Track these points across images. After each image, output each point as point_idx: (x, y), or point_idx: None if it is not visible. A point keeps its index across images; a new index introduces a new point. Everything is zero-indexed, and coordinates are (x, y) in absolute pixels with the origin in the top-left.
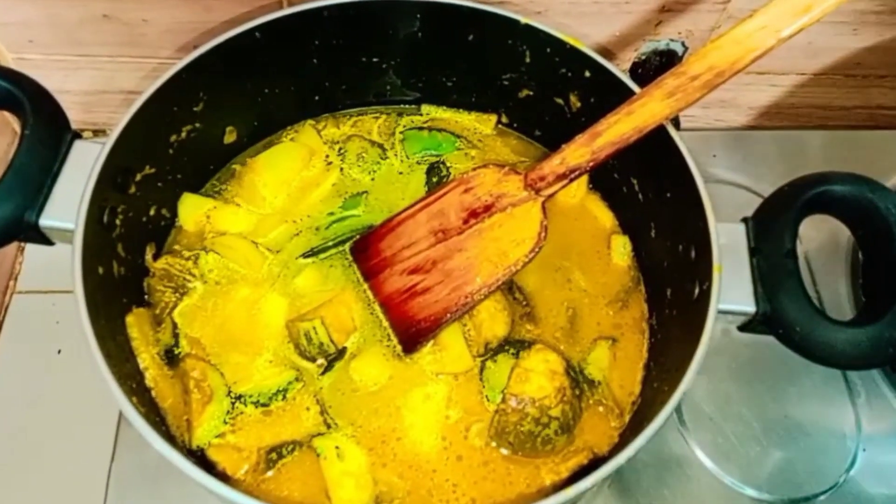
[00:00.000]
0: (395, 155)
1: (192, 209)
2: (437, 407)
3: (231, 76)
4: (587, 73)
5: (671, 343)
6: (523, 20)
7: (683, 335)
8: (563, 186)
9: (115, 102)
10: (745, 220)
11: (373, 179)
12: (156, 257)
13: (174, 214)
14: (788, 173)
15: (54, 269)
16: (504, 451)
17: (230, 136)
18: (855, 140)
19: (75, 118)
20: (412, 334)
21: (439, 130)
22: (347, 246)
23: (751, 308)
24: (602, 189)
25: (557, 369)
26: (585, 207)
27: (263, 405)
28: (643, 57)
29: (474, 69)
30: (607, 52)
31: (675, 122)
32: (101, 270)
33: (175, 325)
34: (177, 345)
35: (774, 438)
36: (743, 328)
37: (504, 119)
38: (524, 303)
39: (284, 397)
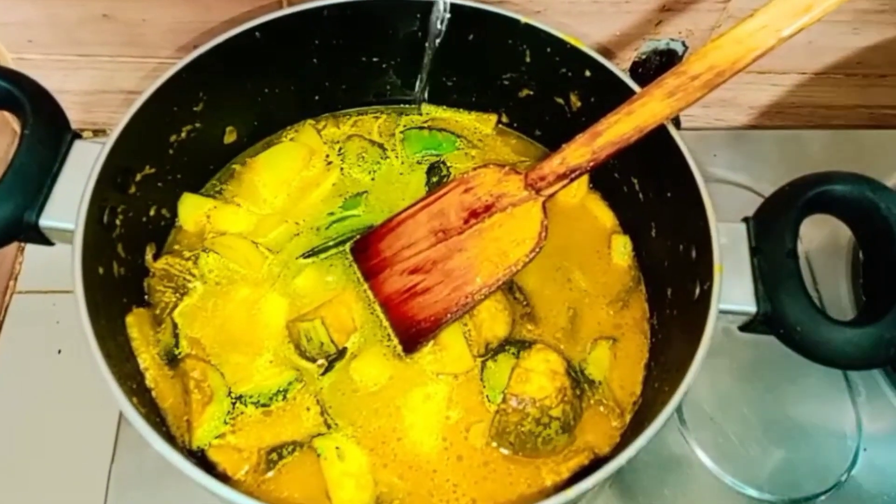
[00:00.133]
0: (396, 155)
1: (192, 209)
2: (438, 407)
3: (231, 76)
4: (587, 73)
5: (672, 343)
6: (523, 20)
7: (684, 335)
8: (564, 186)
9: (116, 102)
10: (745, 219)
11: (373, 179)
12: (156, 257)
13: (174, 214)
14: (789, 173)
15: (54, 269)
16: (504, 452)
17: (230, 136)
18: (856, 139)
19: (75, 118)
20: (412, 334)
21: (439, 130)
22: (348, 246)
23: (752, 308)
24: (602, 189)
25: (558, 369)
26: (586, 207)
27: (264, 405)
28: (643, 56)
29: (474, 69)
30: (607, 52)
31: (676, 122)
32: (101, 271)
33: (175, 326)
34: (177, 345)
35: (775, 438)
36: (744, 328)
37: (504, 119)
38: (524, 303)
39: (285, 398)
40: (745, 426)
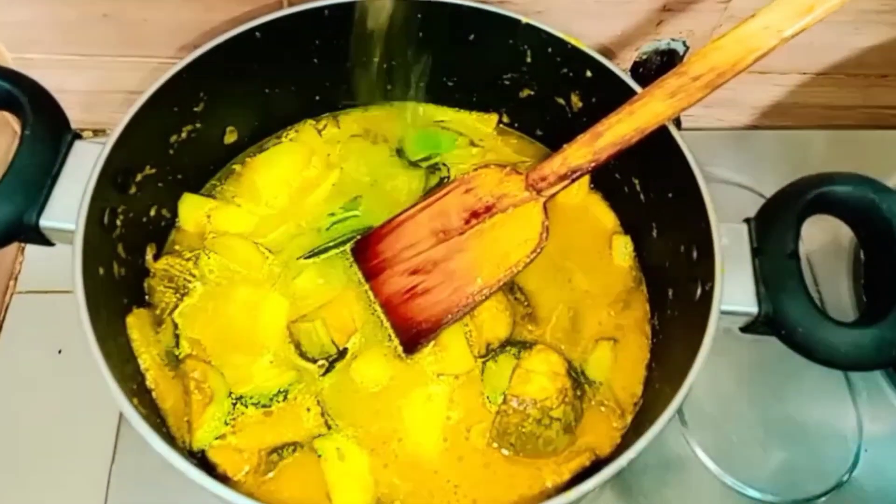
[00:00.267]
0: (397, 154)
1: (192, 209)
2: (439, 408)
3: (231, 76)
4: (588, 73)
5: (673, 344)
6: (524, 20)
7: (685, 336)
8: (565, 187)
9: (116, 102)
10: (747, 220)
11: (374, 179)
12: (156, 258)
13: (175, 215)
14: (790, 173)
15: (55, 268)
16: (505, 452)
17: (231, 136)
18: (857, 140)
19: (76, 118)
20: (413, 335)
21: (441, 129)
22: (348, 247)
23: (753, 309)
24: (603, 189)
25: (559, 370)
26: (587, 207)
27: (264, 406)
28: (644, 56)
29: (475, 69)
30: (608, 52)
31: (677, 122)
32: (101, 271)
33: (176, 326)
34: (177, 346)
35: (776, 439)
36: (745, 329)
37: (505, 119)
38: (525, 303)
39: (285, 398)
40: (746, 427)
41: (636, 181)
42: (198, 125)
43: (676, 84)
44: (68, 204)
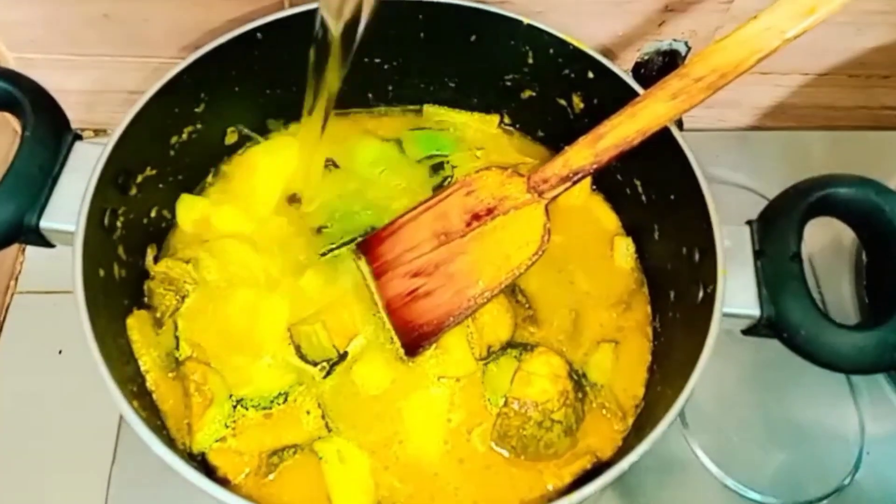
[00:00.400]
0: (400, 154)
1: (191, 210)
2: (440, 410)
3: (232, 77)
4: (590, 74)
5: (675, 346)
6: (526, 21)
7: (687, 338)
8: (566, 189)
9: (117, 102)
10: (749, 222)
11: (377, 178)
12: (156, 259)
13: (175, 216)
14: (792, 174)
15: (55, 269)
16: (506, 454)
17: (231, 137)
18: (859, 141)
19: (76, 117)
20: (415, 338)
21: (442, 130)
22: (350, 248)
23: (755, 312)
24: (605, 190)
25: (560, 372)
26: (588, 209)
27: (264, 409)
28: (646, 57)
29: (476, 70)
30: (610, 52)
31: (679, 123)
32: (101, 273)
33: (176, 328)
34: (178, 348)
35: (778, 441)
36: (747, 332)
37: (506, 120)
38: (527, 305)
39: (286, 401)
40: (748, 429)
41: (638, 183)
42: (198, 126)
43: (678, 85)
44: (69, 205)
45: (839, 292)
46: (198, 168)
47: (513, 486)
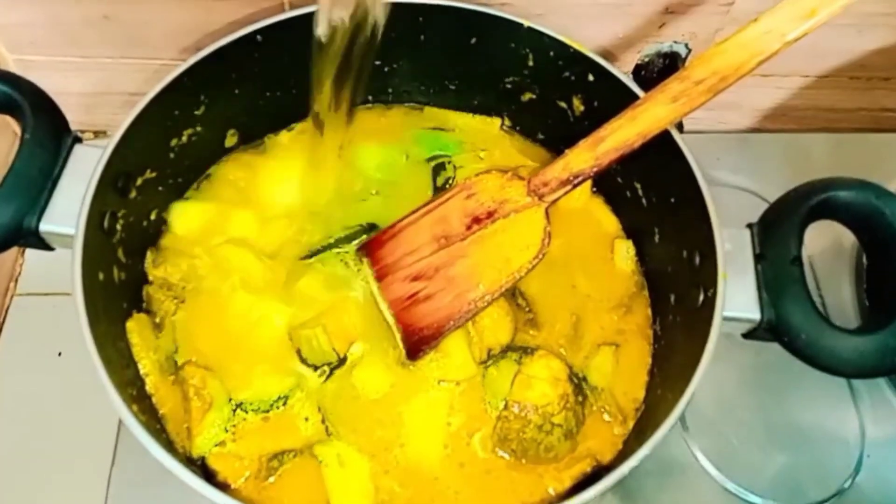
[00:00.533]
0: (402, 155)
1: (187, 215)
2: (440, 414)
3: (232, 79)
4: (590, 77)
5: (675, 350)
6: (526, 23)
7: (687, 342)
8: (567, 192)
9: (117, 104)
10: (749, 225)
11: (379, 178)
12: (156, 263)
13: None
14: (793, 177)
15: (55, 271)
16: (506, 456)
17: (231, 140)
18: (859, 143)
19: (76, 119)
20: (415, 342)
21: (444, 130)
22: (349, 248)
23: (755, 315)
24: (605, 193)
25: (560, 376)
26: (589, 211)
27: (264, 413)
28: (646, 59)
29: (476, 72)
30: (610, 55)
31: (679, 125)
32: (101, 276)
33: (175, 332)
34: (177, 351)
35: (778, 444)
36: (747, 335)
37: (507, 122)
38: (527, 308)
39: (285, 405)
40: (748, 432)
41: (638, 185)
42: (198, 128)
43: (679, 88)
44: (68, 208)
45: (840, 295)
46: (197, 171)
47: (513, 491)
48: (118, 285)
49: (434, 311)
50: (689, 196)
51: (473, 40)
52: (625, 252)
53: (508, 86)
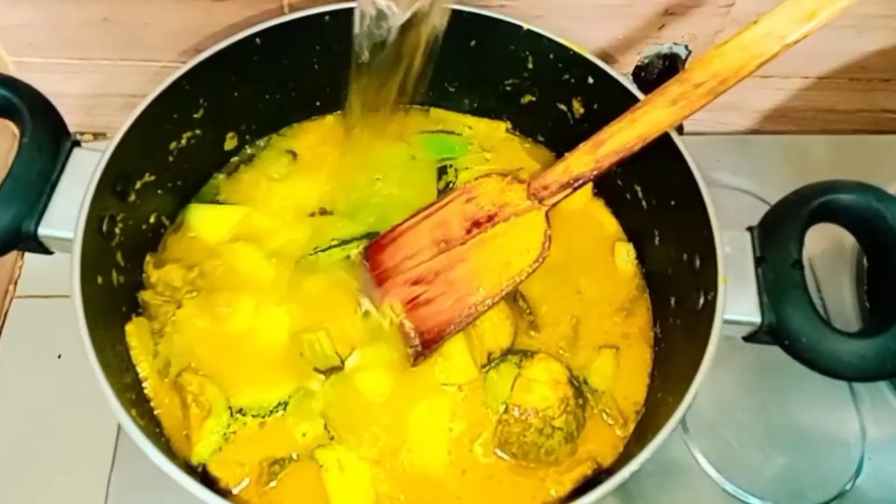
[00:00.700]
0: (408, 156)
1: (205, 218)
2: (441, 419)
3: (231, 82)
4: (590, 79)
5: (675, 353)
6: (525, 26)
7: (688, 345)
8: (567, 196)
9: (116, 106)
10: (750, 228)
11: (383, 180)
12: (158, 264)
13: (174, 222)
14: (793, 178)
15: (54, 273)
16: (505, 457)
17: (231, 143)
18: (859, 144)
19: (75, 121)
20: (416, 346)
21: (451, 133)
22: (349, 250)
23: (756, 319)
24: (605, 195)
25: (561, 379)
26: (590, 213)
27: (264, 418)
28: (646, 60)
29: (476, 75)
30: (610, 56)
31: (679, 127)
32: (100, 280)
33: (174, 337)
34: (176, 356)
35: (778, 446)
36: (748, 338)
37: (507, 125)
38: (528, 311)
39: (286, 410)
40: (748, 433)
41: (638, 188)
42: (197, 132)
43: (678, 91)
44: (67, 212)
45: (840, 296)
46: (197, 174)
47: (516, 496)
48: (117, 289)
49: (434, 315)
50: (689, 198)
51: (473, 43)
52: (625, 255)
53: (508, 88)
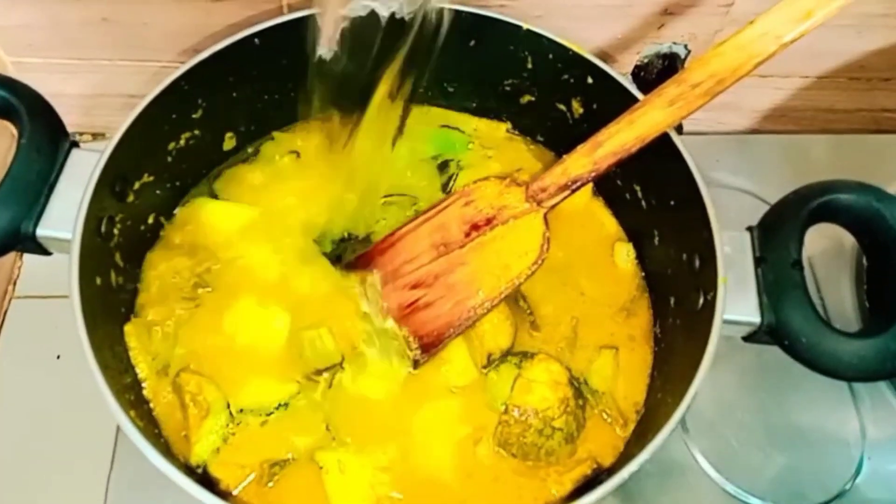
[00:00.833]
0: (409, 152)
1: (218, 214)
2: (441, 420)
3: (231, 82)
4: (589, 79)
5: (675, 353)
6: (525, 26)
7: (687, 345)
8: (565, 198)
9: (115, 106)
10: (749, 228)
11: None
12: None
13: (172, 223)
14: (792, 178)
15: (53, 273)
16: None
17: (229, 143)
18: (859, 144)
19: (74, 121)
20: (416, 350)
21: (455, 130)
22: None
23: (756, 319)
24: (605, 195)
25: (560, 379)
26: (590, 213)
27: (265, 418)
28: (645, 60)
29: (475, 75)
30: (609, 56)
31: (678, 127)
32: (98, 281)
33: (174, 337)
34: (175, 356)
35: (778, 446)
36: (747, 338)
37: (507, 125)
38: (528, 311)
39: (286, 410)
40: (748, 433)
41: (637, 188)
42: (196, 132)
43: (676, 92)
44: (65, 213)
45: (840, 296)
46: (196, 174)
47: (519, 496)
48: (116, 289)
49: (434, 319)
50: (688, 198)
51: (472, 43)
52: (625, 255)
53: (507, 88)
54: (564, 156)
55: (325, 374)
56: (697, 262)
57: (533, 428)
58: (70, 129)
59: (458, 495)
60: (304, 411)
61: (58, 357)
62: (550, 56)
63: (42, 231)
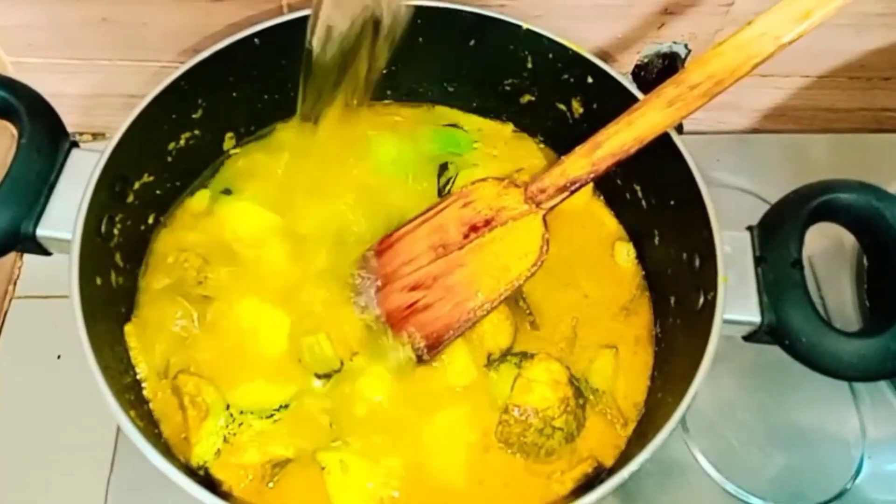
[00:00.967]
0: (414, 151)
1: (238, 215)
2: (441, 421)
3: (230, 82)
4: (589, 79)
5: (675, 353)
6: (525, 25)
7: (688, 345)
8: (564, 199)
9: (115, 106)
10: (750, 228)
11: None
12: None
13: (172, 223)
14: (792, 177)
15: (54, 273)
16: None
17: (229, 143)
18: (859, 143)
19: (74, 121)
20: (415, 351)
21: (460, 129)
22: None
23: (756, 319)
24: (606, 195)
25: (560, 379)
26: (591, 211)
27: (265, 419)
28: (645, 60)
29: (475, 75)
30: (609, 56)
31: (678, 126)
32: (98, 281)
33: (174, 337)
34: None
35: (778, 445)
36: (748, 338)
37: (511, 125)
38: (528, 311)
39: (287, 411)
40: (748, 433)
41: (637, 187)
42: (196, 132)
43: (674, 93)
44: (65, 213)
45: (840, 295)
46: (196, 174)
47: (522, 496)
48: (116, 289)
49: (433, 321)
50: (688, 197)
51: (472, 42)
52: (625, 254)
53: (507, 88)
54: (563, 157)
55: (326, 376)
56: (698, 262)
57: (533, 427)
58: (70, 129)
59: (455, 494)
60: (306, 412)
61: (58, 357)
62: (550, 56)
63: (42, 231)
